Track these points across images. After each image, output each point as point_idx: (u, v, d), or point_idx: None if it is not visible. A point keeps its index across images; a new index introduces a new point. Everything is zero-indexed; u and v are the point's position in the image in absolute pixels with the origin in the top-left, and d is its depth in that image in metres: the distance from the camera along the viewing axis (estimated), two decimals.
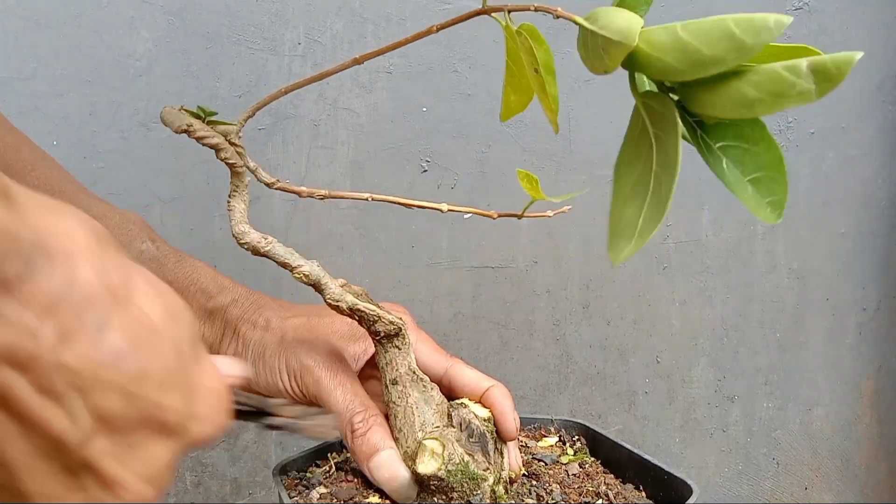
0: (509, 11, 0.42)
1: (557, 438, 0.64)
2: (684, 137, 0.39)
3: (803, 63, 0.32)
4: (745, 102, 0.34)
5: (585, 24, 0.37)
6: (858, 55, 0.31)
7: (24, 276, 0.26)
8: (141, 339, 0.30)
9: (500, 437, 0.54)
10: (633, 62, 0.36)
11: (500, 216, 0.55)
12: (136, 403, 0.30)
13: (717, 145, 0.38)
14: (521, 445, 0.62)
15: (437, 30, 0.46)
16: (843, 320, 1.10)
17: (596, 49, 0.37)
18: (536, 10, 0.41)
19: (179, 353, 0.32)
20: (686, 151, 0.40)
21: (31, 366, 0.27)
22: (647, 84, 0.39)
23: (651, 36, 0.35)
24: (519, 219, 0.54)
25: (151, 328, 0.31)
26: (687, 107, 0.38)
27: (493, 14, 0.43)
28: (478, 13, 0.43)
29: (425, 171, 0.94)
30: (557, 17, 0.40)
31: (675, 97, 0.38)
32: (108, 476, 0.30)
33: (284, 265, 0.50)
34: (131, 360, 0.29)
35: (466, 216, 0.56)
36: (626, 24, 0.35)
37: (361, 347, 0.57)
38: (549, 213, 0.55)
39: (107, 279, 0.29)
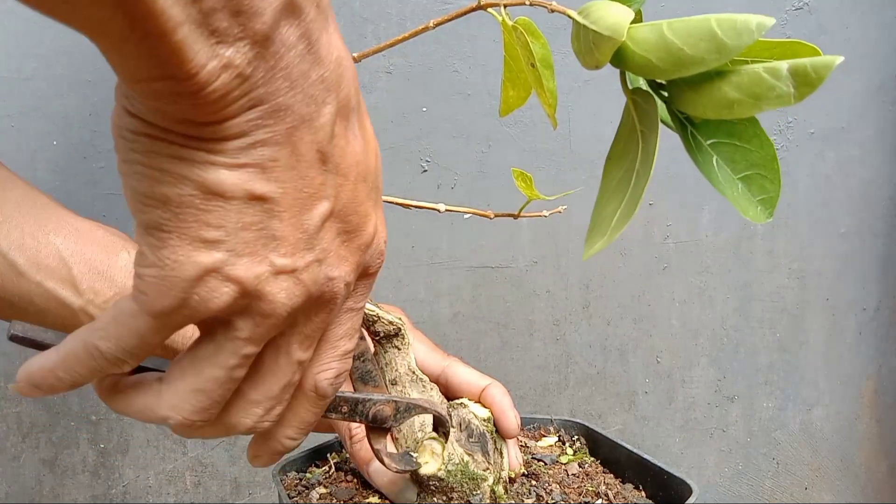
0: (505, 6, 0.43)
1: (557, 438, 0.64)
2: (674, 131, 0.39)
3: (784, 66, 0.32)
4: (726, 103, 0.34)
5: (578, 18, 0.37)
6: (838, 60, 0.31)
7: (322, 38, 0.29)
8: (366, 151, 0.33)
9: (501, 435, 0.54)
10: (620, 59, 0.36)
11: (496, 216, 0.55)
12: (357, 203, 0.33)
13: (708, 142, 0.38)
14: (521, 445, 0.62)
15: (434, 26, 0.46)
16: (843, 320, 1.10)
17: (587, 44, 0.37)
18: (532, 4, 0.41)
19: (375, 182, 0.35)
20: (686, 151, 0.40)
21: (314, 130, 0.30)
22: (640, 81, 0.39)
23: (637, 33, 0.35)
24: (515, 218, 0.54)
25: (371, 148, 0.34)
26: (673, 105, 0.37)
27: (489, 9, 0.43)
28: (474, 9, 0.44)
29: (425, 171, 0.94)
30: (552, 10, 0.40)
31: (666, 94, 0.38)
32: (331, 247, 0.32)
33: None
34: (363, 159, 0.33)
35: (466, 216, 0.56)
36: (616, 19, 0.35)
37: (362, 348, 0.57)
38: (545, 212, 0.55)
39: (357, 90, 0.32)
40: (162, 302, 0.29)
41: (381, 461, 0.46)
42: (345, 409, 0.44)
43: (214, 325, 0.32)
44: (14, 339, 0.35)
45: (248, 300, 0.30)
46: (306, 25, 0.27)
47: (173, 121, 0.27)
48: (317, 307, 0.33)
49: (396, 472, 0.48)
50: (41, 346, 0.36)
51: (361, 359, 0.45)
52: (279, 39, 0.27)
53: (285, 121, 0.28)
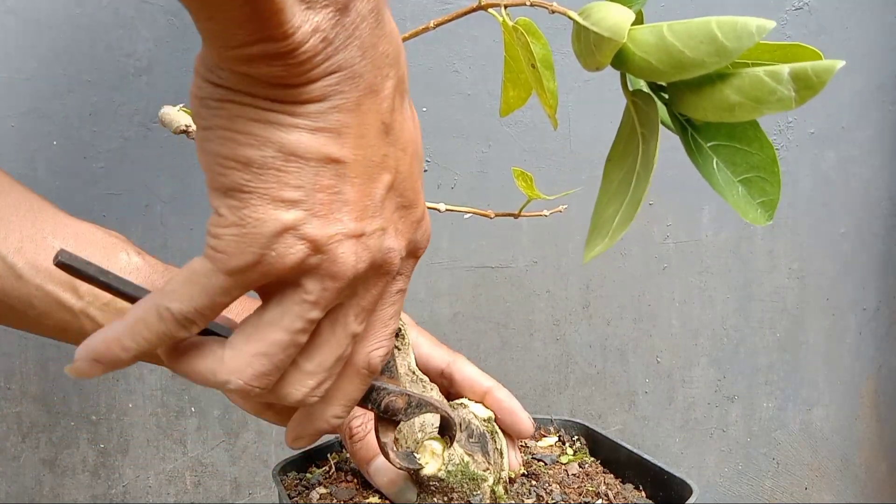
0: (506, 7, 0.43)
1: (557, 438, 0.64)
2: (673, 132, 0.39)
3: (785, 69, 0.32)
4: (727, 106, 0.34)
5: (578, 19, 0.37)
6: (839, 64, 0.31)
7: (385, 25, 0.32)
8: (416, 129, 0.36)
9: (516, 435, 0.55)
10: (620, 61, 0.36)
11: (497, 216, 0.55)
12: (413, 179, 0.36)
13: (709, 144, 0.38)
14: (521, 445, 0.62)
15: (435, 26, 0.46)
16: (843, 320, 1.10)
17: (588, 45, 0.37)
18: (532, 4, 0.41)
19: (422, 162, 0.37)
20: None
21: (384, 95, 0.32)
22: (641, 83, 0.39)
23: (638, 35, 0.35)
24: (515, 218, 0.54)
25: (418, 127, 0.37)
26: (674, 108, 0.37)
27: (489, 9, 0.43)
28: (474, 9, 0.44)
29: (425, 171, 0.94)
30: (552, 11, 0.40)
31: (666, 96, 0.38)
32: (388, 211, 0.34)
33: None
34: (415, 137, 0.36)
35: (466, 216, 0.56)
36: (616, 20, 0.35)
37: None
38: (546, 212, 0.55)
39: (407, 70, 0.35)
40: (241, 258, 0.31)
41: (386, 455, 0.46)
42: None
43: (282, 290, 0.34)
44: (60, 265, 0.34)
45: (319, 260, 0.32)
46: (376, 0, 0.30)
47: (261, 84, 0.30)
48: (376, 277, 0.35)
49: (399, 468, 0.47)
50: (83, 276, 0.35)
51: None
52: (355, 10, 0.29)
53: (358, 88, 0.31)
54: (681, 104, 0.36)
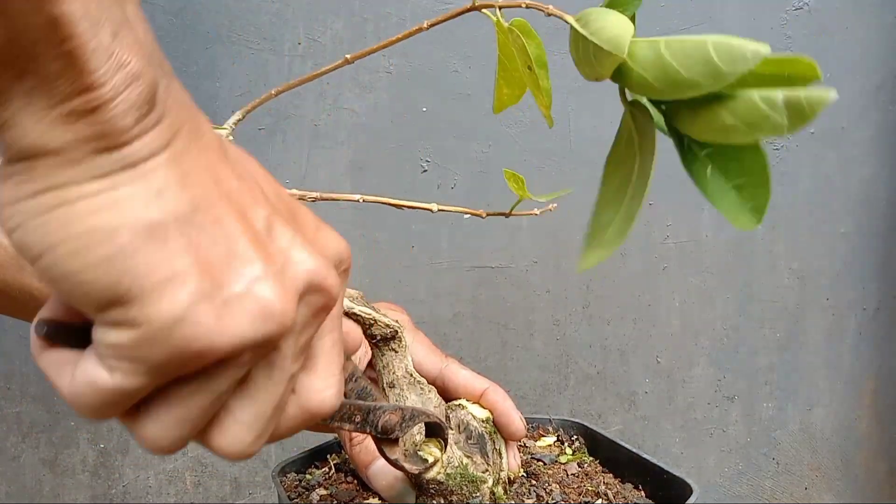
0: (500, 7, 0.42)
1: (556, 438, 0.64)
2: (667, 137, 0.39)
3: (780, 95, 0.31)
4: (722, 128, 0.33)
5: (577, 26, 0.37)
6: (832, 95, 0.30)
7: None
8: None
9: (508, 437, 0.54)
10: (618, 74, 0.36)
11: (489, 215, 0.55)
12: (284, 194, 0.33)
13: (703, 153, 0.38)
14: (520, 445, 0.62)
15: (429, 27, 0.46)
16: (843, 320, 1.10)
17: (587, 55, 0.36)
18: (527, 6, 0.41)
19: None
20: None
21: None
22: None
23: (636, 50, 0.34)
24: (507, 217, 0.54)
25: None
26: (671, 123, 0.37)
27: (483, 10, 0.43)
28: (468, 10, 0.43)
29: (425, 171, 0.94)
30: (548, 14, 0.40)
31: (664, 108, 0.38)
32: (283, 252, 0.30)
33: None
34: (255, 162, 0.33)
35: (465, 217, 0.56)
36: (617, 32, 0.34)
37: (360, 352, 0.57)
38: (536, 211, 0.55)
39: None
40: (158, 359, 0.27)
41: (402, 468, 0.46)
42: (358, 418, 0.43)
43: None
44: (45, 338, 0.30)
45: (242, 318, 0.28)
46: (159, 49, 0.28)
47: (86, 160, 0.26)
48: (312, 308, 0.31)
49: (418, 472, 0.47)
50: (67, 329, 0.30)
51: (353, 379, 0.45)
52: (156, 61, 0.27)
53: (182, 135, 0.28)
54: (677, 121, 0.36)
